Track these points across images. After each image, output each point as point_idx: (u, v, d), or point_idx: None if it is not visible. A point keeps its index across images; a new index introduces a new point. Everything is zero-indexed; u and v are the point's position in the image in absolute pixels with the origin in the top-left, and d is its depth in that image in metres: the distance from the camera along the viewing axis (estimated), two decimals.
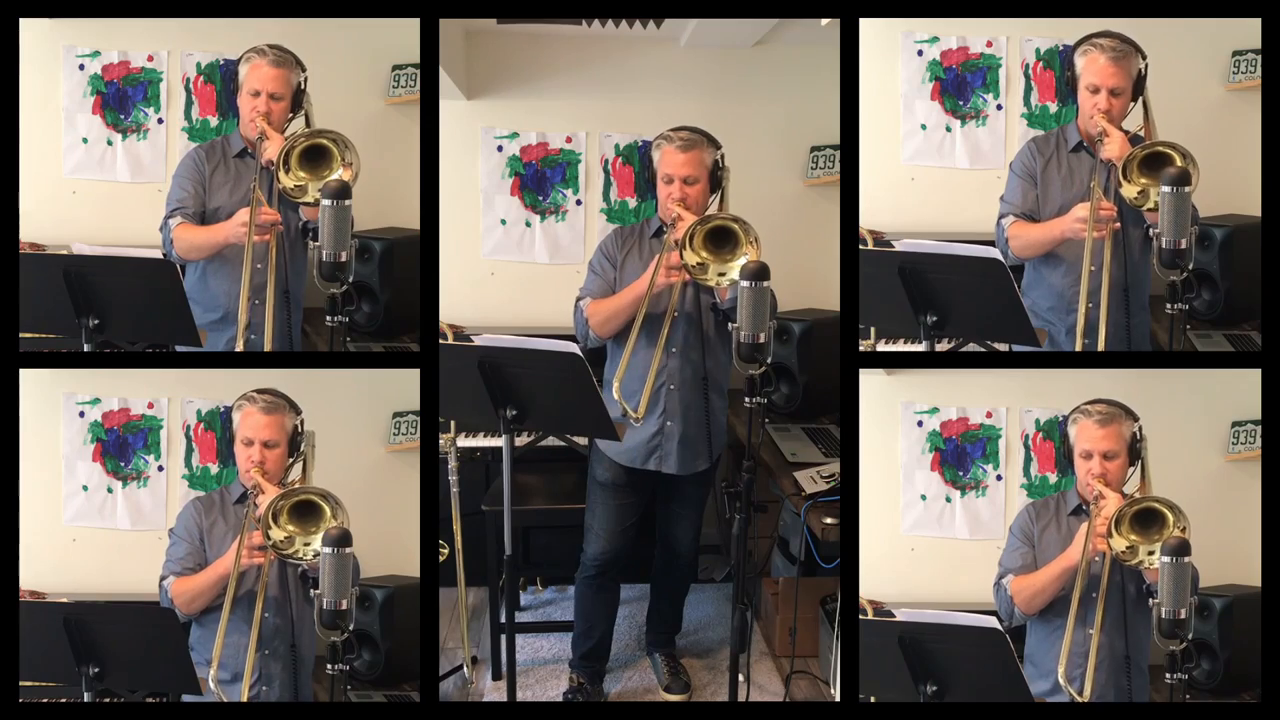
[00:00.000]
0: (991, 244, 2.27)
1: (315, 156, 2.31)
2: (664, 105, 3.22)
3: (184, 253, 2.41)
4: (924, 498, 2.88)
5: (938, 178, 2.91)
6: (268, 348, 2.41)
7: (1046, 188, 2.42)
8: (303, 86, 2.43)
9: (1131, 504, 2.16)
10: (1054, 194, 2.39)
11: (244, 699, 2.28)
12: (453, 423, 2.83)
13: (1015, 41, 2.87)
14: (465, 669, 3.04)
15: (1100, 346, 2.26)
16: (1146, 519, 2.16)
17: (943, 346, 2.51)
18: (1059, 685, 2.27)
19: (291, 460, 2.37)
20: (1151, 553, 2.14)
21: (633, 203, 3.51)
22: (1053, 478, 2.85)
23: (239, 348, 2.37)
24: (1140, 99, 2.33)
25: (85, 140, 2.86)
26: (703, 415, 2.66)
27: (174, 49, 2.86)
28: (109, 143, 2.87)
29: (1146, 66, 2.32)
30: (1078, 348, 2.29)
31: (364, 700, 2.58)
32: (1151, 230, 2.20)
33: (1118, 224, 2.26)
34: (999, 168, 2.72)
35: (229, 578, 2.23)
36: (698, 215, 2.50)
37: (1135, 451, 2.29)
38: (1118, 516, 2.15)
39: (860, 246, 2.49)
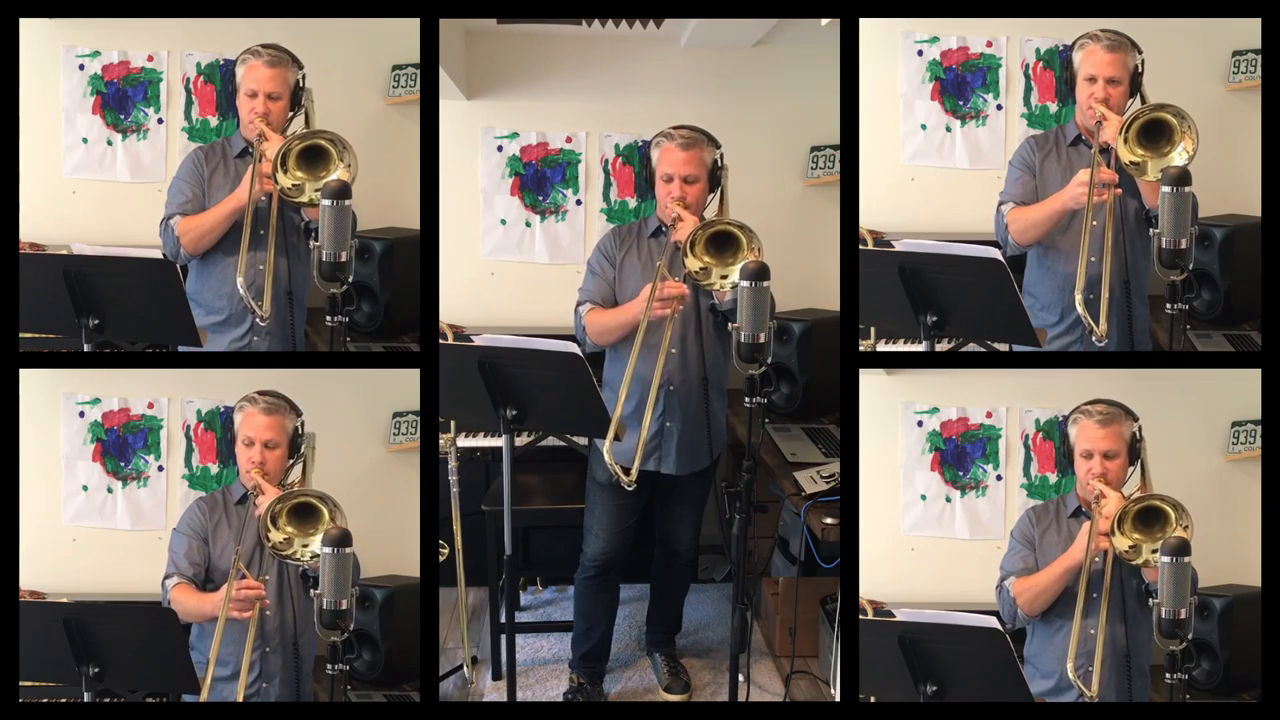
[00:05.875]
0: (992, 243, 2.27)
1: (313, 157, 2.31)
2: (664, 105, 3.22)
3: (193, 242, 2.39)
4: (924, 498, 2.88)
5: (938, 178, 2.91)
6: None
7: (1045, 181, 2.42)
8: (301, 84, 2.43)
9: (1135, 502, 2.16)
10: (1053, 187, 2.39)
11: (240, 697, 2.28)
12: (453, 423, 2.83)
13: (1015, 41, 2.87)
14: (465, 669, 3.04)
15: (1101, 320, 2.25)
16: (1149, 518, 2.16)
17: (943, 346, 2.51)
18: (1060, 685, 2.28)
19: (291, 462, 2.37)
20: (1154, 551, 2.14)
21: (633, 203, 3.51)
22: (1053, 478, 2.85)
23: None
24: (1138, 94, 2.33)
25: (85, 140, 2.86)
26: (703, 415, 2.66)
27: (174, 49, 2.86)
28: (109, 143, 2.87)
29: (1143, 62, 2.33)
30: (1092, 334, 2.27)
31: (364, 700, 2.58)
32: (1152, 225, 2.21)
33: (1119, 189, 2.27)
34: (999, 168, 2.71)
35: (218, 616, 2.22)
36: (697, 214, 2.50)
37: (1135, 451, 2.29)
38: (1120, 515, 2.15)
39: (860, 246, 2.49)
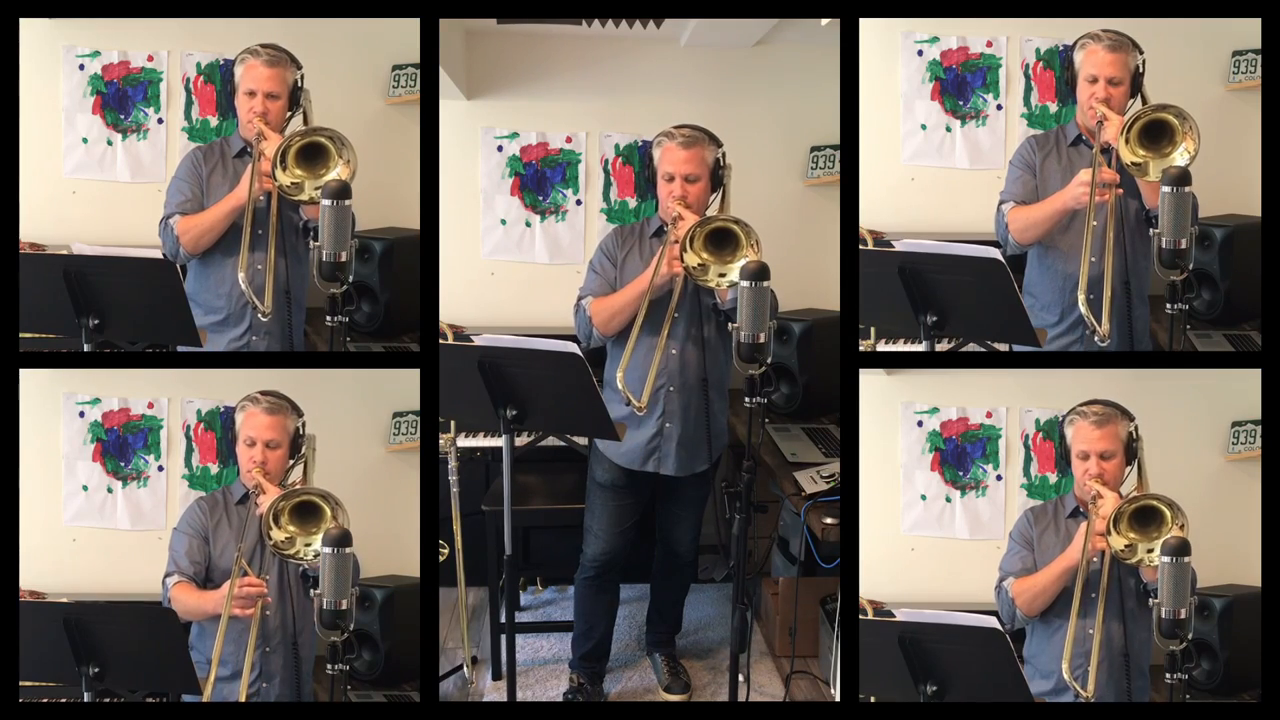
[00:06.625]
0: (992, 243, 2.27)
1: (312, 155, 2.30)
2: (664, 105, 3.22)
3: (192, 241, 2.39)
4: (924, 498, 2.88)
5: (938, 178, 2.91)
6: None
7: (1046, 181, 2.42)
8: (299, 84, 2.43)
9: (1130, 501, 2.16)
10: (1054, 187, 2.39)
11: (243, 697, 2.28)
12: (453, 423, 2.83)
13: (1015, 41, 2.87)
14: (465, 669, 3.04)
15: (1104, 320, 2.24)
16: (1145, 517, 2.16)
17: (943, 346, 2.51)
18: (1059, 685, 2.27)
19: (292, 462, 2.37)
20: (1150, 550, 2.14)
21: (633, 203, 3.51)
22: (1053, 478, 2.85)
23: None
24: (1139, 94, 2.33)
25: (85, 140, 2.86)
26: (702, 416, 2.66)
27: (174, 49, 2.86)
28: (109, 143, 2.87)
29: (1144, 63, 2.33)
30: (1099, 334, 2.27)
31: (364, 700, 2.58)
32: (1152, 225, 2.21)
33: (1120, 189, 2.27)
34: (999, 168, 2.72)
35: (220, 614, 2.22)
36: (699, 214, 2.50)
37: (1131, 451, 2.29)
38: (1116, 514, 2.15)
39: (860, 246, 2.49)
